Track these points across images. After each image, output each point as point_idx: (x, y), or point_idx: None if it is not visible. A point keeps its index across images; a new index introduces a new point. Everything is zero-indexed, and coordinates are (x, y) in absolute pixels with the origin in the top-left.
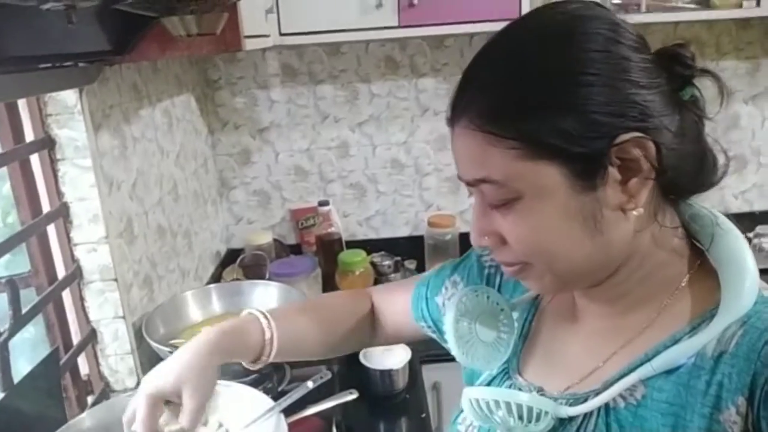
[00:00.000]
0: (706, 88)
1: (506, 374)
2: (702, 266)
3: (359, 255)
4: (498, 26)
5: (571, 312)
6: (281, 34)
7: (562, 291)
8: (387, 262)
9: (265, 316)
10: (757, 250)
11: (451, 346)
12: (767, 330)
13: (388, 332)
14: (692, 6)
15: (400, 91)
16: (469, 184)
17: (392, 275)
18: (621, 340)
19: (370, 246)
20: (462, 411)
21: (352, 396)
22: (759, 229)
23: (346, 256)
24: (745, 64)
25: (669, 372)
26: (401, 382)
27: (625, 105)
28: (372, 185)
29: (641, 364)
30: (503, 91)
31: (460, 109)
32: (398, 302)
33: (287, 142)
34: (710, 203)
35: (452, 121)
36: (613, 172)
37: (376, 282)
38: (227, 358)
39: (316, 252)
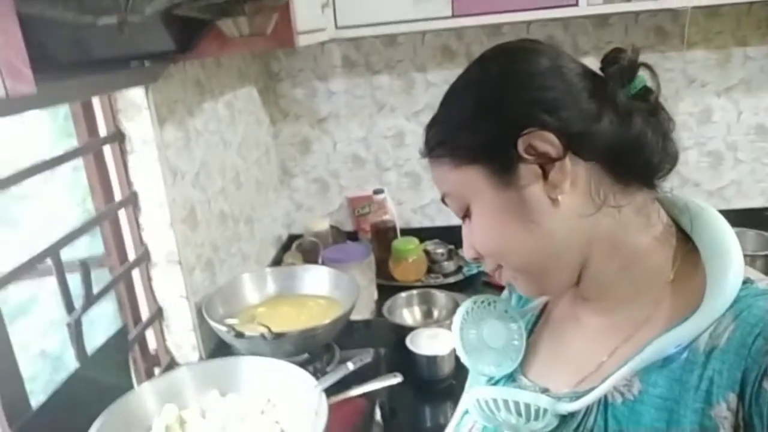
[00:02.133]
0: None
1: (511, 378)
2: (692, 257)
3: (412, 242)
4: (553, 13)
5: (572, 313)
6: (337, 28)
7: (543, 289)
8: (440, 250)
9: None
10: None
11: (460, 354)
12: (757, 325)
13: None
14: None
15: None
16: (443, 202)
17: (445, 263)
18: (620, 336)
19: (424, 234)
20: (467, 412)
21: (396, 379)
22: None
23: (400, 243)
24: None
25: (663, 367)
26: (447, 368)
27: (527, 105)
28: (427, 173)
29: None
30: (437, 122)
31: (423, 146)
32: None
33: (345, 132)
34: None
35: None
36: (532, 167)
37: (429, 270)
38: None
39: (371, 239)
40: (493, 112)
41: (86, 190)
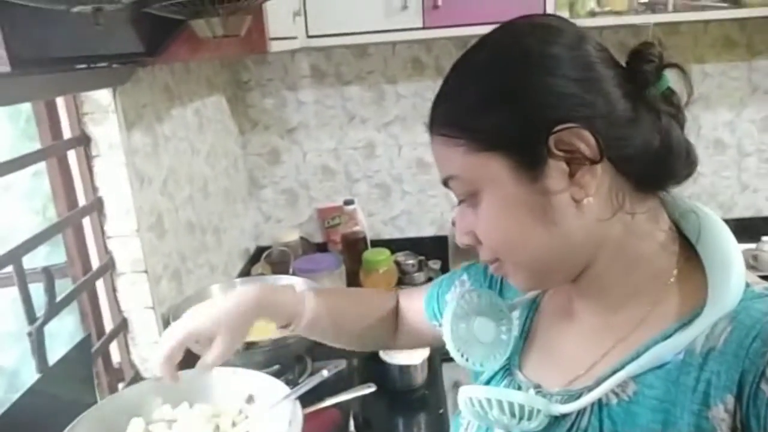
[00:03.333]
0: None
1: (507, 371)
2: (692, 262)
3: (383, 254)
4: None
5: (568, 309)
6: (308, 36)
7: (541, 285)
8: (411, 261)
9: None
10: None
11: (449, 347)
12: (754, 326)
13: (409, 333)
14: (723, 4)
15: (426, 92)
16: (443, 184)
17: (416, 274)
18: (615, 337)
19: (394, 245)
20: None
21: (369, 389)
22: None
23: (371, 254)
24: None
25: (659, 368)
26: (420, 378)
27: (561, 98)
28: (397, 185)
29: (631, 360)
30: (451, 98)
31: (430, 121)
32: (417, 302)
33: (315, 143)
34: (743, 205)
35: (429, 132)
36: (559, 164)
37: (400, 281)
38: (264, 314)
39: (342, 250)
40: (525, 99)
41: (47, 198)
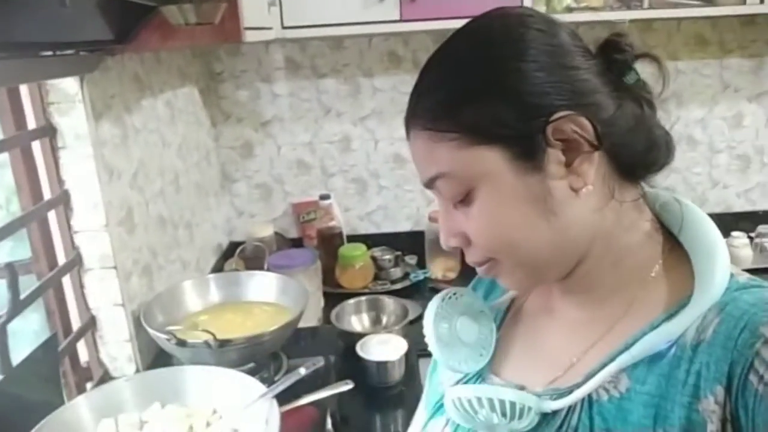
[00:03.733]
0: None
1: (479, 376)
2: (675, 253)
3: (360, 249)
4: None
5: (547, 307)
6: (283, 27)
7: (536, 284)
8: (387, 257)
9: None
10: (759, 250)
11: (432, 348)
12: (742, 317)
13: None
14: (696, 2)
15: (403, 86)
16: (427, 186)
17: (392, 270)
18: (599, 330)
19: (371, 241)
20: (431, 416)
21: (347, 386)
22: (761, 228)
23: (347, 250)
24: (749, 62)
25: (650, 362)
26: (397, 374)
27: (555, 86)
28: (374, 180)
29: (621, 353)
30: (438, 91)
31: (409, 119)
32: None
33: (290, 136)
34: (714, 201)
35: (407, 131)
36: (556, 153)
37: (376, 277)
38: None
39: (317, 246)
40: (521, 89)
41: (11, 191)
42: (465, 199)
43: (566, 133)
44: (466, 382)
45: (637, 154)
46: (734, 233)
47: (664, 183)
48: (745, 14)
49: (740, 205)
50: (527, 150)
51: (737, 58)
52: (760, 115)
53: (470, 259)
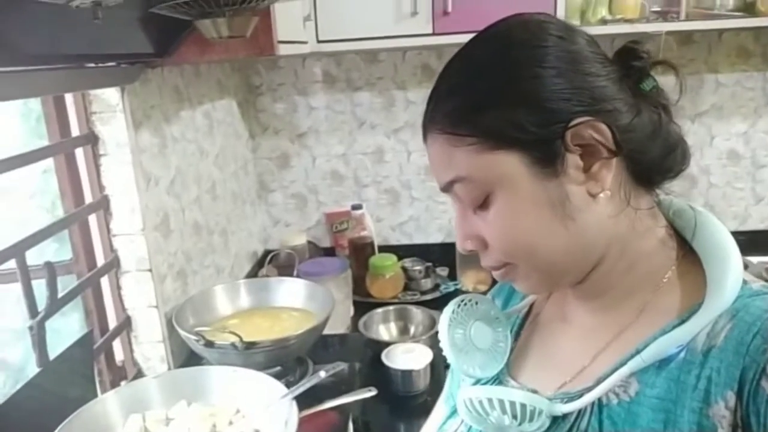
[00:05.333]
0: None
1: (497, 379)
2: (688, 259)
3: (390, 259)
4: None
5: (562, 314)
6: (318, 41)
7: (551, 288)
8: (418, 267)
9: None
10: None
11: (447, 354)
12: (755, 323)
13: None
14: (736, 13)
15: None
16: (444, 190)
17: (423, 280)
18: (610, 335)
19: (402, 251)
20: (448, 417)
21: (370, 393)
22: None
23: (377, 259)
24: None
25: (660, 367)
26: (422, 383)
27: (574, 92)
28: (406, 191)
29: (631, 357)
30: (457, 95)
31: (427, 122)
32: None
33: (324, 147)
34: (758, 217)
35: (424, 135)
36: (574, 158)
37: (407, 287)
38: None
39: (349, 255)
40: (541, 94)
41: (55, 196)
42: (482, 204)
43: (585, 139)
44: (483, 385)
45: (654, 160)
46: None
47: (705, 197)
48: None
49: None
50: (546, 155)
51: None
52: None
53: (486, 263)
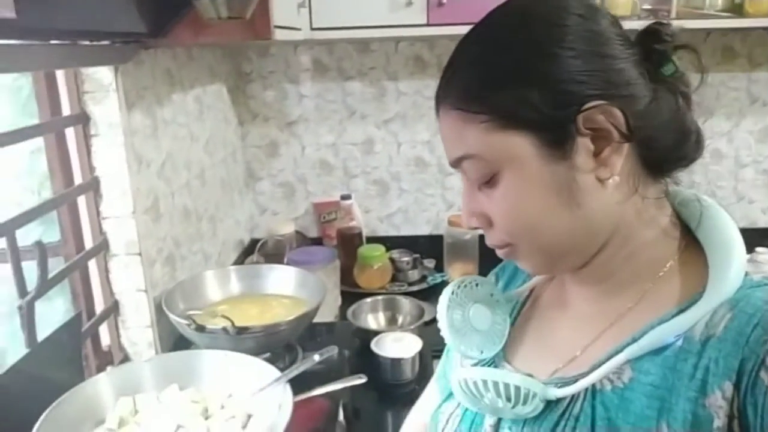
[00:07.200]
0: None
1: (492, 362)
2: (691, 249)
3: (378, 250)
4: None
5: (561, 299)
6: (312, 29)
7: (553, 270)
8: (406, 259)
9: None
10: None
11: (445, 335)
12: (755, 314)
13: None
14: (724, 14)
15: (427, 90)
16: (453, 165)
17: (410, 272)
18: (608, 322)
19: (389, 243)
20: (445, 399)
21: (360, 380)
22: None
23: (366, 250)
24: None
25: (656, 354)
26: (410, 371)
27: (591, 75)
28: (395, 182)
29: (628, 345)
30: (471, 71)
31: (440, 95)
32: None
33: (314, 137)
34: (739, 216)
35: (436, 108)
36: (585, 142)
37: (394, 278)
38: None
39: (337, 245)
40: (556, 75)
41: (44, 177)
42: (490, 182)
43: (597, 123)
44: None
45: (668, 148)
46: (759, 249)
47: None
48: None
49: (765, 221)
50: (557, 137)
51: (766, 72)
52: None
53: (490, 242)
